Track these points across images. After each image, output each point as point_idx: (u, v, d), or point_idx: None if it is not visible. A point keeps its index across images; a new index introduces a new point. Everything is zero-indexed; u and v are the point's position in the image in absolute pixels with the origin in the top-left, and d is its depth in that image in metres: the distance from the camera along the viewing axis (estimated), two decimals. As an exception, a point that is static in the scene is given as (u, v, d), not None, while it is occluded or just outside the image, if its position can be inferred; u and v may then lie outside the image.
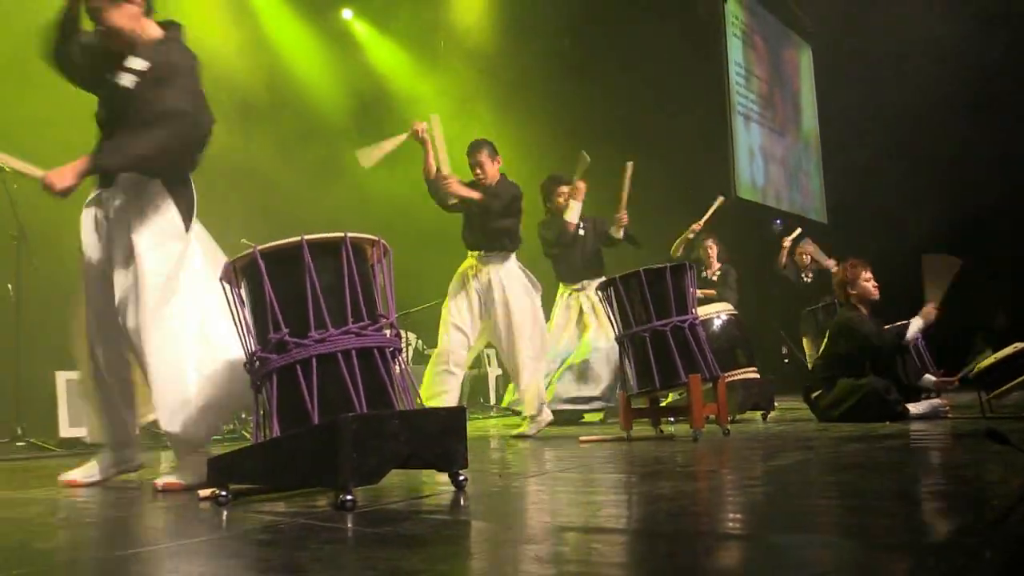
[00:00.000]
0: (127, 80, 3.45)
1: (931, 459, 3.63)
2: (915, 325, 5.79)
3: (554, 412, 6.10)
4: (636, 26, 11.21)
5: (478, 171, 5.92)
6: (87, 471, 3.58)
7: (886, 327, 6.42)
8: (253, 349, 2.95)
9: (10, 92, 6.48)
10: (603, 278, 5.97)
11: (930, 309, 5.79)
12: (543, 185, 7.30)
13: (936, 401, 5.84)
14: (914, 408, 5.63)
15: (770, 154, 13.96)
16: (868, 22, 13.04)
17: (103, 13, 3.44)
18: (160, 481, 3.32)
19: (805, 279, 9.29)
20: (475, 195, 5.75)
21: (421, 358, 9.08)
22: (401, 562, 1.81)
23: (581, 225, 7.00)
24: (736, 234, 10.57)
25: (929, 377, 5.90)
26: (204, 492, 2.89)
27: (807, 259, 9.30)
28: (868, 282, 6.03)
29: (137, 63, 3.47)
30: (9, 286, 6.16)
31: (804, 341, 9.26)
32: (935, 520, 2.14)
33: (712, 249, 8.59)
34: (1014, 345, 5.54)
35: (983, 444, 3.47)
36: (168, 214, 3.49)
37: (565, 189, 6.97)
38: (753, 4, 14.05)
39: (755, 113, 13.63)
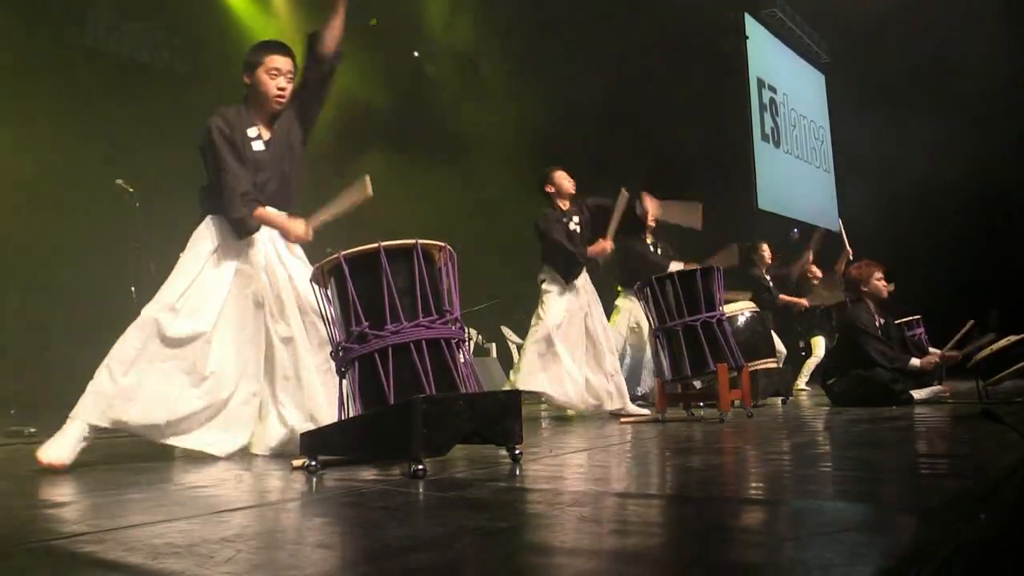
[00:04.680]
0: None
1: (932, 437, 3.56)
2: (915, 363, 5.69)
3: None
4: (667, 63, 11.14)
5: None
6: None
7: (896, 322, 6.35)
8: (338, 340, 3.00)
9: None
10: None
11: (932, 360, 5.75)
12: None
13: (938, 388, 5.76)
14: (918, 394, 5.55)
15: (787, 170, 13.81)
16: (875, 53, 12.92)
17: None
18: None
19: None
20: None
21: (481, 351, 9.13)
22: (465, 521, 1.83)
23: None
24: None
25: (933, 354, 5.84)
26: (297, 462, 2.94)
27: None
28: (880, 282, 5.96)
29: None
30: (132, 288, 6.30)
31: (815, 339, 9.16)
32: (936, 487, 2.11)
33: (767, 252, 8.60)
34: (1008, 338, 5.44)
35: (979, 424, 3.41)
36: None
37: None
38: (771, 39, 13.92)
39: (774, 134, 13.50)
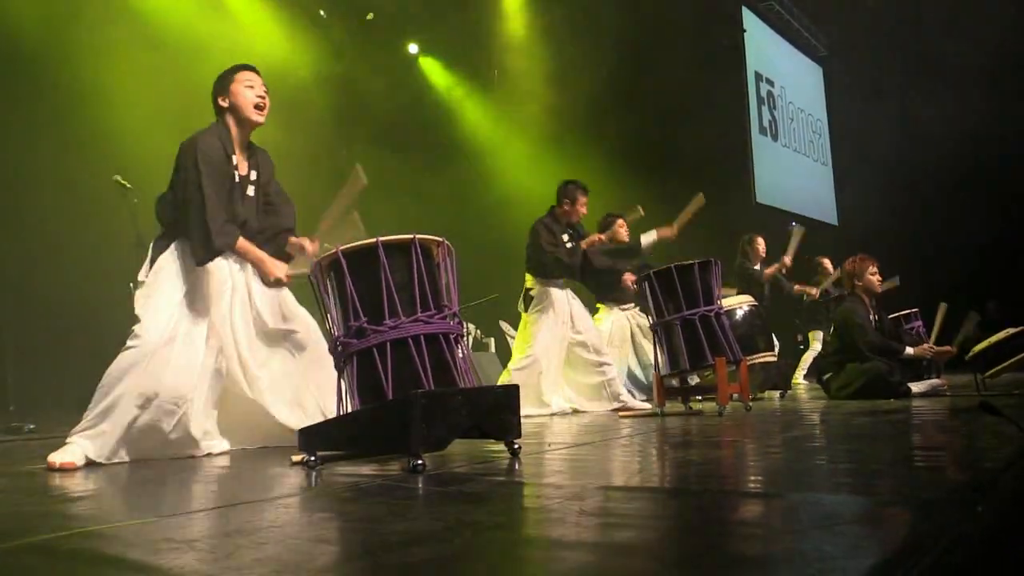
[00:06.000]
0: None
1: (930, 430, 3.57)
2: (909, 351, 5.73)
3: None
4: (664, 56, 11.13)
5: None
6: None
7: (894, 315, 6.37)
8: (337, 335, 3.01)
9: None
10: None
11: (925, 350, 5.81)
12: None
13: (936, 381, 5.78)
14: (916, 387, 5.57)
15: (786, 164, 13.80)
16: (873, 45, 12.92)
17: None
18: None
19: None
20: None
21: (480, 346, 9.13)
22: (465, 515, 1.83)
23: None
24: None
25: (926, 348, 5.89)
26: (296, 457, 2.94)
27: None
28: (873, 276, 6.00)
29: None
30: (131, 284, 6.29)
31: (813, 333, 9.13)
32: (933, 480, 2.12)
33: (761, 246, 8.41)
34: (1006, 330, 5.46)
35: (978, 417, 3.41)
36: None
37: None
38: (769, 32, 13.90)
39: (772, 127, 13.50)
